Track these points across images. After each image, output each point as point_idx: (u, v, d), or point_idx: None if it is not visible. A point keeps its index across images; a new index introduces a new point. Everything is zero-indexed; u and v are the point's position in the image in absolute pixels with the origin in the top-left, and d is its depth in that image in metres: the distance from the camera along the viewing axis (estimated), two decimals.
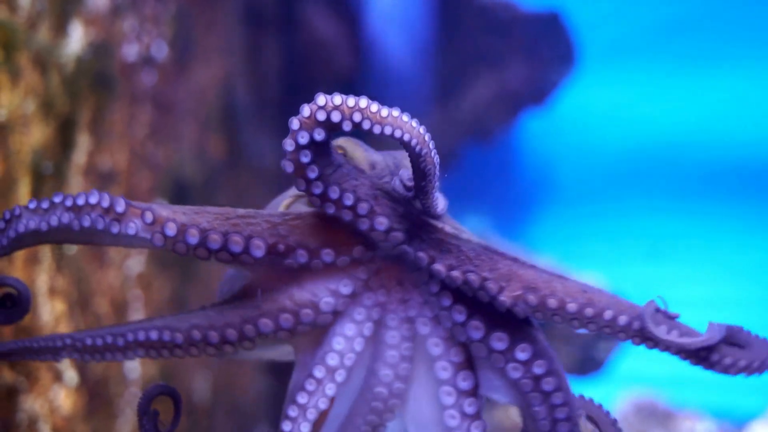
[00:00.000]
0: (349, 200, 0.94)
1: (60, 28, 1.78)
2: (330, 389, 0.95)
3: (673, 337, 0.89)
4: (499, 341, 0.95)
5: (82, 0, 1.87)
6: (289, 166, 0.91)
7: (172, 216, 0.94)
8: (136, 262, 2.08)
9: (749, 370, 0.90)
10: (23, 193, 1.62)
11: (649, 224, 4.24)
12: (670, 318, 0.91)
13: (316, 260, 0.96)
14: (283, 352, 1.02)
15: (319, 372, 0.95)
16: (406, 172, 0.94)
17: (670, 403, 3.64)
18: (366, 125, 0.88)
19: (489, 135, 3.86)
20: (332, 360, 0.96)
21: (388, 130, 0.88)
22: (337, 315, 0.97)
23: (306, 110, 0.89)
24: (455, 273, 0.94)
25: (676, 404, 3.64)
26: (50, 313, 1.71)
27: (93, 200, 0.94)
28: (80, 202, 0.94)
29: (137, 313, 2.08)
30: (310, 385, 0.95)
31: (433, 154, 0.89)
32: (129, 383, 2.00)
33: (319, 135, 0.89)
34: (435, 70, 3.65)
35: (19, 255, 1.62)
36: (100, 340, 0.98)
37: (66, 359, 1.14)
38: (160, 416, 0.99)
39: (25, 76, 1.65)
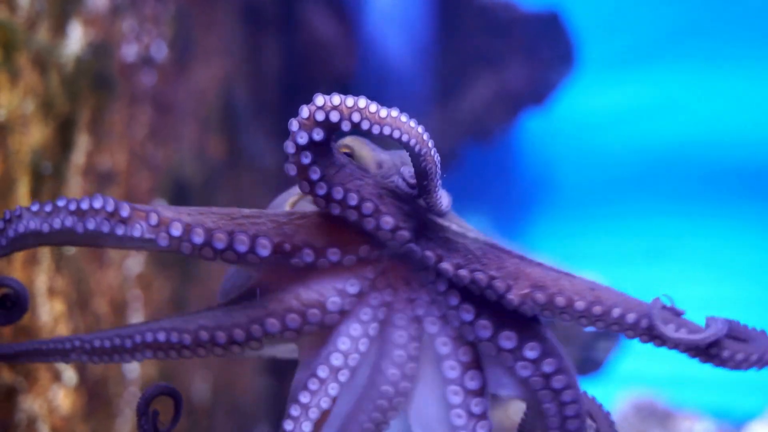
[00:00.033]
0: (353, 200, 0.94)
1: (59, 29, 1.78)
2: (333, 389, 0.95)
3: (682, 334, 0.89)
4: (508, 340, 0.95)
5: (82, 0, 1.87)
6: (292, 170, 0.91)
7: (177, 216, 0.94)
8: (135, 263, 2.08)
9: (761, 363, 0.90)
10: (22, 193, 1.62)
11: (649, 224, 4.24)
12: (677, 315, 0.91)
13: (323, 259, 0.96)
14: (284, 349, 1.02)
15: (322, 371, 0.95)
16: (408, 170, 0.94)
17: (669, 403, 3.65)
18: (365, 125, 0.88)
19: (489, 135, 3.86)
20: (336, 360, 0.96)
21: (386, 131, 0.88)
22: (343, 315, 0.96)
23: (305, 111, 0.89)
24: (463, 272, 0.94)
25: (675, 404, 3.65)
26: (49, 313, 1.70)
27: (97, 204, 0.93)
28: (84, 206, 0.93)
29: (137, 314, 2.08)
30: (313, 385, 0.95)
31: (433, 153, 0.89)
32: (128, 383, 1.99)
33: (318, 135, 0.89)
34: (435, 70, 3.65)
35: (18, 255, 1.62)
36: (108, 342, 0.98)
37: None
38: (160, 416, 0.99)
39: (25, 76, 1.64)
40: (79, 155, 1.84)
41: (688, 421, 3.57)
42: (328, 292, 0.96)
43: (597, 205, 4.32)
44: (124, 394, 1.97)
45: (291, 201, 1.05)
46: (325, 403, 0.95)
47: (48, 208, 0.94)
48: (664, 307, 0.91)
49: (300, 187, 0.93)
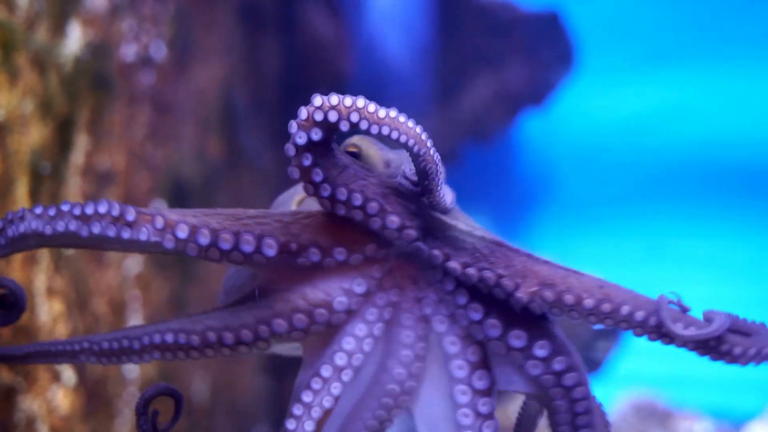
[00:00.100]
0: (357, 201, 0.94)
1: (58, 29, 1.78)
2: (336, 388, 0.95)
3: (691, 332, 0.89)
4: (517, 339, 0.95)
5: (81, 0, 1.86)
6: (295, 173, 0.92)
7: (183, 218, 0.94)
8: (134, 263, 2.08)
9: (759, 357, 0.90)
10: (21, 193, 1.61)
11: (649, 224, 4.24)
12: (684, 311, 0.91)
13: (329, 259, 0.96)
14: (286, 347, 1.02)
15: (326, 371, 0.95)
16: (409, 168, 0.94)
17: (668, 403, 3.65)
18: (363, 125, 0.88)
19: (488, 135, 3.86)
20: (340, 359, 0.95)
21: (385, 131, 0.88)
22: (350, 314, 0.96)
23: (303, 112, 0.89)
24: (470, 270, 0.94)
25: (674, 404, 3.65)
26: (48, 313, 1.70)
27: (102, 209, 0.93)
28: (89, 211, 0.93)
29: (135, 314, 2.08)
30: (316, 384, 0.95)
31: (432, 152, 0.89)
32: (127, 383, 1.99)
33: (317, 135, 0.89)
34: (435, 70, 3.65)
35: (17, 255, 1.61)
36: (116, 344, 0.98)
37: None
38: (159, 416, 0.99)
39: (24, 76, 1.64)
40: (78, 155, 1.83)
41: (688, 421, 3.57)
42: (335, 292, 0.96)
43: (597, 205, 4.33)
44: (123, 394, 1.97)
45: (297, 199, 1.05)
46: (327, 403, 0.95)
47: (52, 212, 0.94)
48: (670, 304, 0.91)
49: (304, 189, 0.93)
